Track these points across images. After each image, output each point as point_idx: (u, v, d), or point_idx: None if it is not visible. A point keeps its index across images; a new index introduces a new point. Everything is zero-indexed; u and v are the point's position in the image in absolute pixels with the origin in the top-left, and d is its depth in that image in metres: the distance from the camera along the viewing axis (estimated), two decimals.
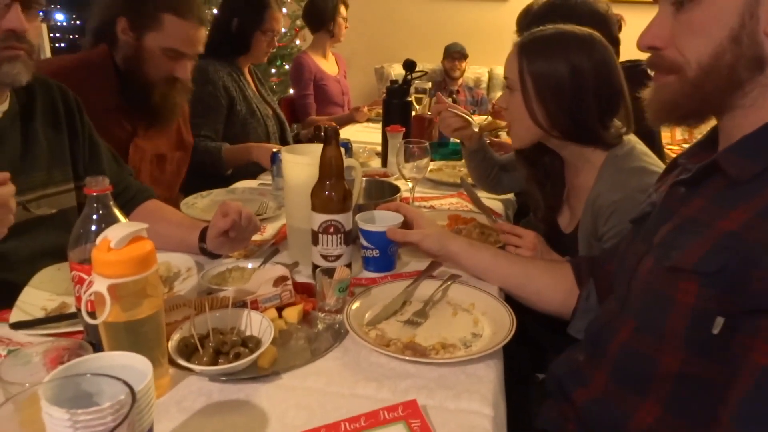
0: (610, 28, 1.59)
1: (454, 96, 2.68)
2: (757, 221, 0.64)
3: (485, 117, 3.14)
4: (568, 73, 1.14)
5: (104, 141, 1.32)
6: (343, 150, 1.10)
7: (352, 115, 2.99)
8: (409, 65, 1.91)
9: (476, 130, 1.61)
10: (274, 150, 1.72)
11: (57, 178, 1.20)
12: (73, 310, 0.97)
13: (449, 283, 1.08)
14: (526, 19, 1.70)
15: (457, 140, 2.46)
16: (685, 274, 0.69)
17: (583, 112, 1.16)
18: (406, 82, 1.93)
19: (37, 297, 1.00)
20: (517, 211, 1.84)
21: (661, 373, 0.73)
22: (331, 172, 1.06)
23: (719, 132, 0.78)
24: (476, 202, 1.51)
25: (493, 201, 1.65)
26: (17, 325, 0.91)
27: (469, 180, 1.71)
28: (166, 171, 1.79)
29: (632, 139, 1.23)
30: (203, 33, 1.62)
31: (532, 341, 1.21)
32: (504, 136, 2.69)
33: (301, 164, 1.15)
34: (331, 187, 1.06)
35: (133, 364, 0.59)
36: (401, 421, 0.73)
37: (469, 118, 1.58)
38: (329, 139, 1.05)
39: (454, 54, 3.88)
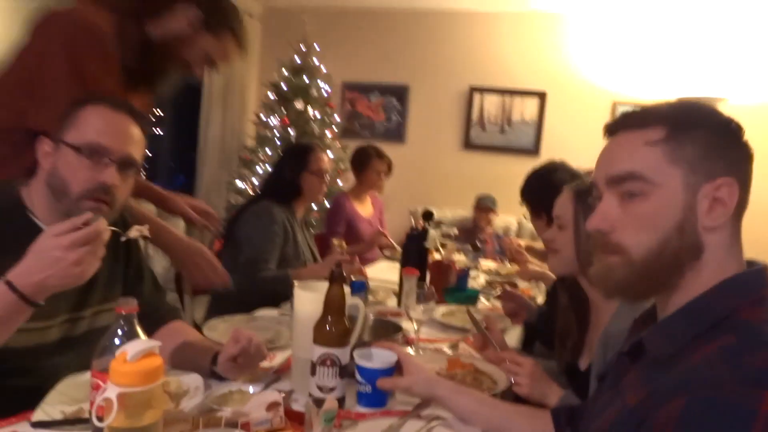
0: None
1: (483, 245, 2.82)
2: (647, 399, 0.71)
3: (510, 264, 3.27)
4: None
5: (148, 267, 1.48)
6: (349, 289, 1.24)
7: (373, 239, 3.20)
8: (427, 215, 2.10)
9: None
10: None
11: (109, 297, 1.33)
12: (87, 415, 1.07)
13: (433, 425, 1.14)
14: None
15: (474, 287, 2.57)
16: None
17: None
18: (424, 230, 2.10)
19: (58, 400, 1.11)
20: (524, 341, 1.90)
21: None
22: (333, 308, 1.19)
23: (657, 306, 0.86)
24: (480, 330, 1.57)
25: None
26: (37, 425, 1.02)
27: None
28: None
29: None
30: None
31: None
32: (522, 286, 2.76)
33: (309, 299, 1.28)
34: (332, 323, 1.18)
35: None
36: None
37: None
38: (334, 280, 1.20)
39: (483, 206, 4.12)
